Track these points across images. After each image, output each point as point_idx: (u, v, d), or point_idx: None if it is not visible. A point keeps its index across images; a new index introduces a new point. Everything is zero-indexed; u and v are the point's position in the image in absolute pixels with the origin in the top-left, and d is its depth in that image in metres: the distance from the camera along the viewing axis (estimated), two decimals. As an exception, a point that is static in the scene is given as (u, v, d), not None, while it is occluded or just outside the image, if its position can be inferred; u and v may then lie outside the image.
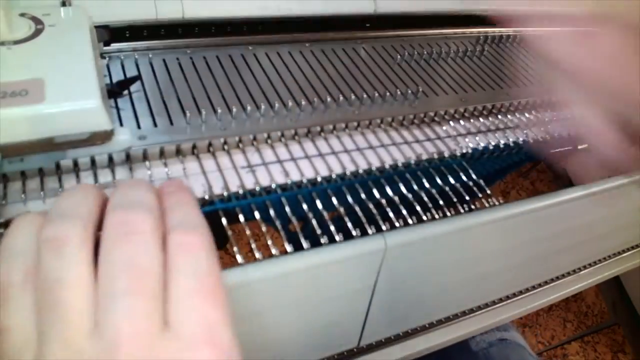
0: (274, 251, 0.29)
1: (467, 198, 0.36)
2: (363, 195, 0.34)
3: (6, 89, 0.26)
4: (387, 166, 0.36)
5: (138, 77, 0.37)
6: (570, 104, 0.31)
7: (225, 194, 0.31)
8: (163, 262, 0.18)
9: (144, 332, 0.17)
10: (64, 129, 0.27)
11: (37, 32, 0.30)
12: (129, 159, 0.32)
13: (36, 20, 0.31)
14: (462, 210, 0.34)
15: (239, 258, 0.28)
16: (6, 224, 0.26)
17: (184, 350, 0.17)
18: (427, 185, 0.35)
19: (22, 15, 0.31)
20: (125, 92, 0.36)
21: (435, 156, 0.37)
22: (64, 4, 0.32)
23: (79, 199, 0.20)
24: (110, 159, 0.31)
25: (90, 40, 0.30)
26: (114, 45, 0.39)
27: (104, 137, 0.29)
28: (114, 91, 0.35)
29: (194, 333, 0.17)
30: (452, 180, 0.36)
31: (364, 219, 0.32)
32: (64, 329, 0.17)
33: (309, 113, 0.38)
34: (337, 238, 0.31)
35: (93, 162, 0.31)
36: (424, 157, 0.37)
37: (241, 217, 0.31)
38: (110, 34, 0.38)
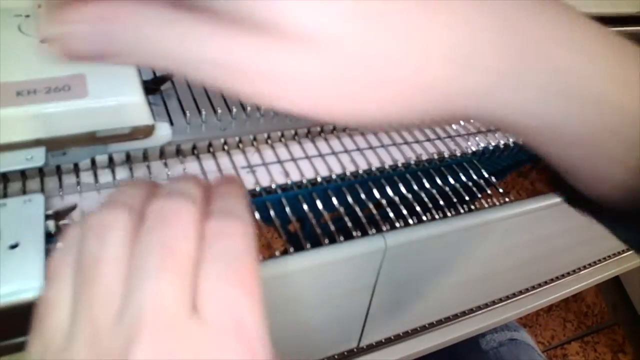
0: (273, 251, 0.29)
1: (467, 198, 0.36)
2: (363, 196, 0.34)
3: (50, 84, 0.27)
4: (387, 166, 0.36)
5: (170, 76, 0.37)
6: None
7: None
8: (198, 247, 0.18)
9: (170, 312, 0.16)
10: (107, 123, 0.28)
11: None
12: (129, 159, 0.32)
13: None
14: (462, 210, 0.34)
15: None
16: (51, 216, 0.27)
17: (210, 339, 0.16)
18: (427, 185, 0.35)
19: None
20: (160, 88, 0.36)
21: (435, 156, 0.37)
22: None
23: (127, 191, 0.20)
24: (110, 159, 0.31)
25: None
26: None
27: (145, 132, 0.29)
28: (151, 88, 0.35)
29: (221, 321, 0.17)
30: (452, 181, 0.36)
31: (364, 219, 0.32)
32: (92, 308, 0.17)
33: (309, 113, 0.38)
34: (337, 238, 0.31)
35: (93, 162, 0.31)
36: (424, 157, 0.37)
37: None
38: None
